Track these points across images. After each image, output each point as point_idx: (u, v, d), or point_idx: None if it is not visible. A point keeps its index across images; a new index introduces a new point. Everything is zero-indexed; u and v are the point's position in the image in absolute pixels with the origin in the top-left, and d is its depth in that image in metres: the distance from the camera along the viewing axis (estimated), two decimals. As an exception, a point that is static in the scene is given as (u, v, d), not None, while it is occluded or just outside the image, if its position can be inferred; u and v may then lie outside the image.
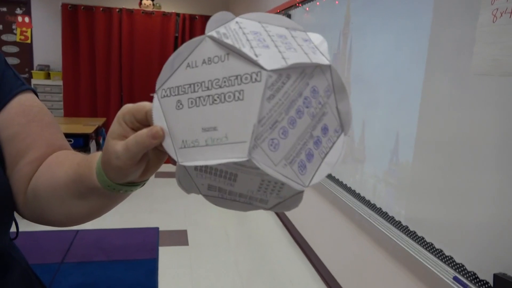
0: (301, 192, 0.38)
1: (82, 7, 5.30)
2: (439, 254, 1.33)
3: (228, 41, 0.34)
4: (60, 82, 5.41)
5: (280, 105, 0.34)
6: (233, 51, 0.34)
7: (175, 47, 5.75)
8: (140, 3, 5.55)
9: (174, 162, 0.40)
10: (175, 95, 0.37)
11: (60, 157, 0.53)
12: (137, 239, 2.82)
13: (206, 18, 5.80)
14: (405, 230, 1.52)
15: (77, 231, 2.87)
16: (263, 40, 0.36)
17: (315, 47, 0.38)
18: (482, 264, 1.15)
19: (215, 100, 0.35)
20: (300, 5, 2.76)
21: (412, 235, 1.47)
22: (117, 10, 5.39)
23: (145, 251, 2.64)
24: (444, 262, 1.30)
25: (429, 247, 1.38)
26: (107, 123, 5.47)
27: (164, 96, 0.38)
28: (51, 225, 0.53)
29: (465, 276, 1.21)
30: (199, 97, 0.36)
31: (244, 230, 3.11)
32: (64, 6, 5.25)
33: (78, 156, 0.51)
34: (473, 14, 1.19)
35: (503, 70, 1.09)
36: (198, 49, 0.36)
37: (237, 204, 0.43)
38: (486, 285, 1.12)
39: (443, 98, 1.33)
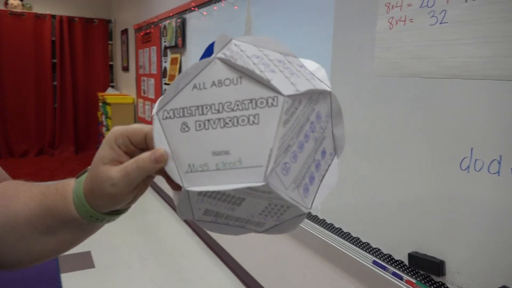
0: (304, 214, 0.39)
1: None
2: (356, 242, 1.44)
3: (240, 63, 0.33)
4: None
5: (293, 130, 0.34)
6: (246, 75, 0.33)
7: (53, 51, 5.24)
8: (6, 3, 4.93)
9: (175, 187, 0.37)
10: (180, 117, 0.35)
11: (9, 189, 0.46)
12: (34, 269, 2.51)
13: (86, 21, 5.40)
14: (322, 223, 1.62)
15: (-47, 271, 2.44)
16: (267, 64, 0.36)
17: (312, 73, 0.39)
18: (397, 247, 1.28)
19: (227, 123, 0.34)
20: (196, 9, 2.74)
21: (330, 227, 1.57)
22: (-23, 10, 4.71)
23: (44, 281, 2.36)
24: (362, 249, 1.41)
25: (347, 236, 1.49)
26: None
27: (166, 117, 0.36)
28: (3, 268, 0.45)
29: (382, 259, 1.33)
30: (209, 120, 0.34)
31: (152, 244, 2.98)
32: None
33: (36, 186, 0.44)
34: (372, 21, 1.31)
35: (401, 71, 1.23)
36: (206, 71, 0.34)
37: (229, 228, 0.42)
38: (402, 264, 1.25)
39: (348, 98, 1.45)
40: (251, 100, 0.33)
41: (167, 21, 3.31)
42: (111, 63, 5.77)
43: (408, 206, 1.23)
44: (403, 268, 1.25)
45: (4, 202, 0.44)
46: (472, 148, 1.04)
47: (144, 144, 0.37)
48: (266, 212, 0.38)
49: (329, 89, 0.38)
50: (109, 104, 4.50)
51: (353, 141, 1.41)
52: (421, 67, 1.16)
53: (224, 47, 0.36)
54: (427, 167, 1.16)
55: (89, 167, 0.39)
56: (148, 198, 3.95)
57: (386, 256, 1.31)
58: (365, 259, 1.38)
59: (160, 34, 3.57)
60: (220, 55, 0.34)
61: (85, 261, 2.66)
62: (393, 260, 1.29)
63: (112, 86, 5.73)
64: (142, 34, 4.16)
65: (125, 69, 5.16)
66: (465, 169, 1.06)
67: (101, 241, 2.97)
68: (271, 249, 2.13)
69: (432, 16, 1.13)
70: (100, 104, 5.09)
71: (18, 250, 0.44)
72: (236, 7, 2.20)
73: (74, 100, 5.46)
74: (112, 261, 2.69)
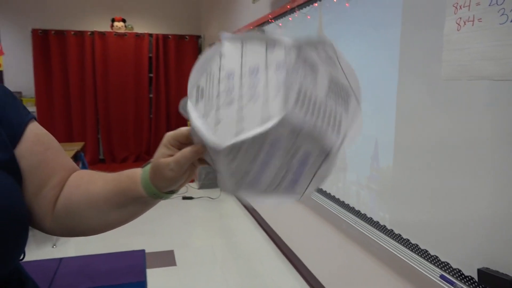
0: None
1: (53, 32, 5.26)
2: (424, 254, 1.37)
3: (194, 116, 0.43)
4: (34, 109, 5.32)
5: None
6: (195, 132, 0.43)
7: (150, 67, 5.75)
8: (112, 25, 5.54)
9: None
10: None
11: (85, 178, 0.61)
12: (123, 263, 2.78)
13: (179, 37, 5.84)
14: (390, 233, 1.56)
15: (61, 259, 2.80)
16: (231, 89, 0.41)
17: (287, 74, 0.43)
18: (466, 261, 1.19)
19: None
20: (273, 21, 2.83)
21: (398, 238, 1.52)
22: (88, 33, 5.37)
23: (132, 274, 2.60)
24: (430, 262, 1.34)
25: (415, 248, 1.42)
26: (85, 148, 5.38)
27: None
28: (83, 235, 0.62)
29: (451, 273, 1.25)
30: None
31: (231, 247, 3.10)
32: (35, 31, 5.20)
33: (106, 174, 0.61)
34: (440, 23, 1.26)
35: (469, 74, 1.16)
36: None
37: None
38: (471, 280, 1.17)
39: (416, 103, 1.39)
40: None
41: (248, 34, 3.45)
42: (200, 75, 6.15)
43: (481, 219, 1.14)
44: (474, 285, 1.16)
45: (84, 186, 0.59)
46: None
47: (189, 140, 0.50)
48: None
49: (275, 121, 0.39)
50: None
51: (425, 150, 1.36)
52: (491, 69, 1.09)
53: (204, 71, 0.43)
54: (502, 178, 1.07)
55: (151, 159, 0.53)
56: (229, 204, 4.12)
57: (455, 271, 1.23)
58: (433, 273, 1.31)
59: (242, 46, 3.73)
60: (189, 99, 0.44)
61: (168, 259, 2.87)
62: (463, 276, 1.20)
63: (201, 97, 6.08)
64: (226, 47, 4.38)
65: (212, 81, 5.46)
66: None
67: (184, 242, 3.18)
68: (341, 257, 2.09)
69: (502, 15, 1.05)
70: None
71: (97, 221, 0.59)
72: (308, 17, 2.24)
73: (167, 111, 5.93)
74: (192, 260, 2.87)
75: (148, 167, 0.54)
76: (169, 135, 0.52)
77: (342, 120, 0.42)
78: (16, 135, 0.55)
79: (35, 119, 0.60)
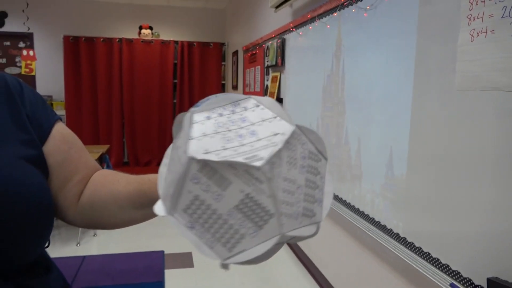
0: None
1: (83, 39, 5.47)
2: (436, 263, 1.38)
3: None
4: (63, 112, 5.53)
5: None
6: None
7: (175, 73, 5.89)
8: (140, 33, 5.71)
9: None
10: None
11: (109, 177, 0.66)
12: (143, 263, 2.85)
13: (203, 45, 5.96)
14: (403, 241, 1.57)
15: (84, 257, 2.90)
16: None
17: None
18: (476, 270, 1.20)
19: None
20: (294, 29, 2.88)
21: (410, 246, 1.52)
22: (117, 40, 5.55)
23: (151, 274, 2.67)
24: (441, 270, 1.35)
25: (427, 256, 1.43)
26: (110, 150, 5.55)
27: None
28: (103, 228, 0.66)
29: (461, 282, 1.25)
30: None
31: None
32: (66, 38, 5.41)
33: (129, 175, 0.64)
34: (454, 34, 1.28)
35: (483, 85, 1.17)
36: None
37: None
38: (481, 290, 1.17)
39: (430, 113, 1.41)
40: None
41: (270, 42, 3.51)
42: (223, 82, 6.25)
43: (493, 230, 1.15)
44: (483, 294, 1.17)
45: (109, 184, 0.63)
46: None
47: None
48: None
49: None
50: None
51: (439, 159, 1.37)
52: (502, 80, 1.10)
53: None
54: None
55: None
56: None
57: (465, 280, 1.24)
58: (443, 281, 1.31)
59: (264, 54, 3.80)
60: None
61: (186, 261, 2.93)
62: (473, 285, 1.21)
63: (223, 104, 6.17)
64: (249, 55, 4.46)
65: (235, 87, 5.55)
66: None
67: (202, 245, 3.23)
68: (354, 263, 2.10)
69: (514, 26, 1.07)
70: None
71: (118, 217, 0.63)
72: (328, 26, 2.28)
73: (190, 117, 6.03)
74: (209, 263, 2.92)
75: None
76: None
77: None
78: (44, 134, 0.61)
79: (61, 120, 0.66)
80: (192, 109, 0.42)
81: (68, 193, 0.63)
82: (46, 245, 0.63)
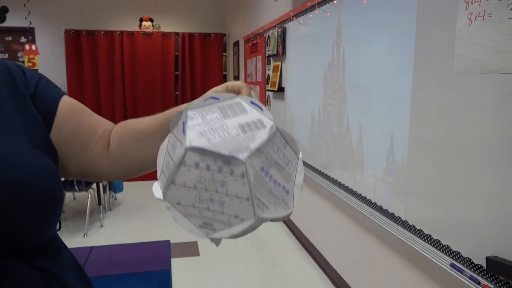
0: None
1: (85, 32, 5.47)
2: (436, 244, 1.41)
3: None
4: (66, 106, 5.55)
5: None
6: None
7: (176, 65, 5.90)
8: (140, 25, 5.71)
9: None
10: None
11: (129, 122, 0.68)
12: (150, 252, 2.91)
13: (204, 36, 5.96)
14: (404, 224, 1.60)
15: (91, 247, 2.96)
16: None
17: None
18: (476, 250, 1.23)
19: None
20: (294, 18, 2.88)
21: (412, 228, 1.55)
22: (118, 33, 5.55)
23: (158, 263, 2.72)
24: (442, 251, 1.38)
25: (427, 238, 1.46)
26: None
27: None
28: (140, 172, 0.67)
29: (461, 262, 1.28)
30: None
31: (252, 238, 3.18)
32: (67, 32, 5.42)
33: (151, 116, 0.66)
34: (453, 19, 1.29)
35: (481, 68, 1.19)
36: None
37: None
38: (481, 269, 1.20)
39: (430, 98, 1.43)
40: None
41: (271, 31, 3.52)
42: (224, 73, 6.25)
43: (492, 211, 1.17)
44: (482, 273, 1.20)
45: (132, 126, 0.66)
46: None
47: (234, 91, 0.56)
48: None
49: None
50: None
51: (439, 143, 1.39)
52: (500, 63, 1.12)
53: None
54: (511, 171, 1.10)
55: (198, 98, 0.56)
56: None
57: (465, 260, 1.27)
58: (444, 262, 1.35)
59: (264, 43, 3.80)
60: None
61: (192, 250, 2.98)
62: (472, 264, 1.24)
63: (225, 95, 6.18)
64: (250, 45, 4.47)
65: (236, 78, 5.56)
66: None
67: (207, 234, 3.28)
68: (358, 248, 2.14)
69: None
70: (214, 111, 5.54)
71: (150, 154, 0.62)
72: (328, 14, 2.29)
73: (192, 108, 6.06)
74: (215, 251, 2.97)
75: (192, 103, 0.55)
76: (212, 90, 0.58)
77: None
78: (52, 110, 0.62)
79: (66, 94, 0.68)
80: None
81: (94, 151, 0.65)
82: (58, 228, 0.66)
